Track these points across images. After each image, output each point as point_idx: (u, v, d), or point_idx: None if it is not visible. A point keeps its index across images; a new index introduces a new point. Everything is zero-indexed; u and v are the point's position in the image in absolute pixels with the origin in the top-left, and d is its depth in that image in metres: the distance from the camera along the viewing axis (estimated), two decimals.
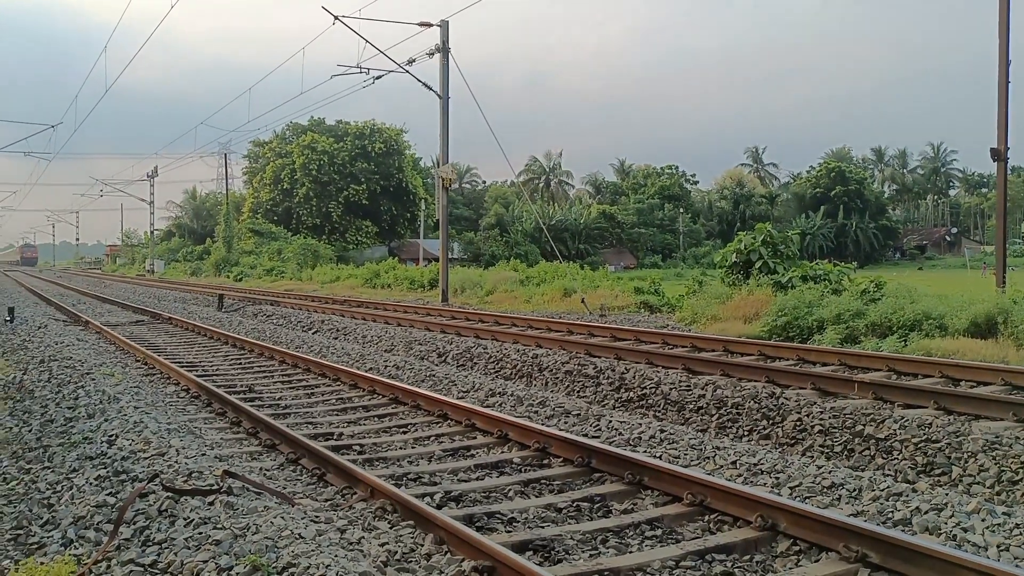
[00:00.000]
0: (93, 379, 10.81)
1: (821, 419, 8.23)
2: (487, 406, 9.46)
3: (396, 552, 4.83)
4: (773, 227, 22.30)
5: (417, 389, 9.91)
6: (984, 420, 7.93)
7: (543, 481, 6.57)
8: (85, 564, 4.76)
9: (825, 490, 6.13)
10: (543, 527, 5.47)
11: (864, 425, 7.89)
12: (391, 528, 5.35)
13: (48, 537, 5.35)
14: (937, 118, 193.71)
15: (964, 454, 7.07)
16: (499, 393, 10.24)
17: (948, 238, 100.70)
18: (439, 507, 5.75)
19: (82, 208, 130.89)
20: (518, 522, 5.58)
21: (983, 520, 5.36)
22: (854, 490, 6.05)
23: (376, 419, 9.21)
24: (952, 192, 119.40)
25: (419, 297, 31.21)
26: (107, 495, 5.78)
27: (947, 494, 5.91)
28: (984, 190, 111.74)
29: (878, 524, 5.32)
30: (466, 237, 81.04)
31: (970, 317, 13.32)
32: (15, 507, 6.15)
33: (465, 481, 6.63)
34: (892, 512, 5.59)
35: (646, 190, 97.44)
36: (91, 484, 6.15)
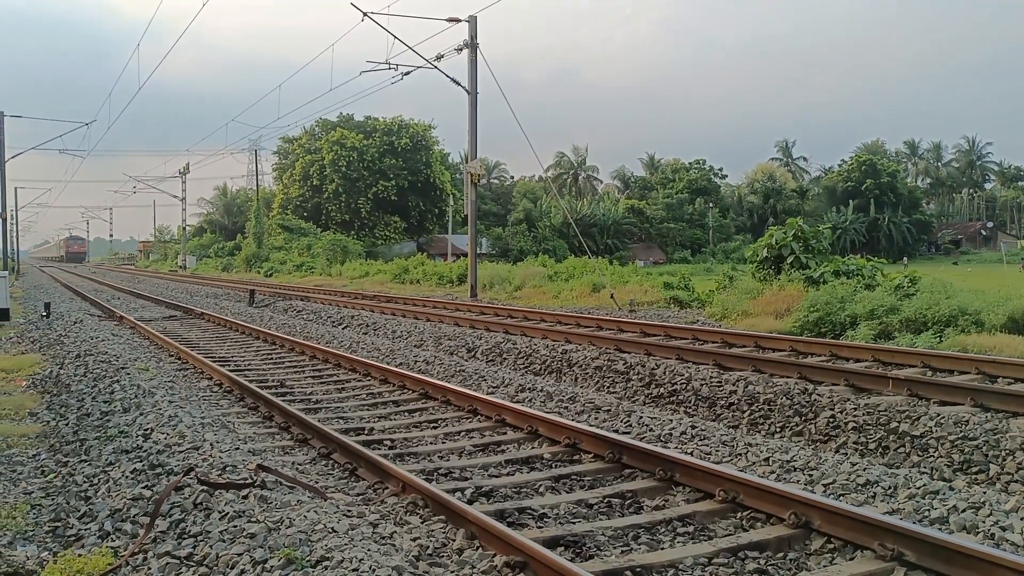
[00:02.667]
0: (128, 374, 10.95)
1: (855, 416, 8.15)
2: (517, 401, 9.47)
3: (428, 547, 4.85)
4: (804, 222, 22.10)
5: (447, 384, 9.93)
6: (1022, 417, 7.79)
7: (574, 477, 6.57)
8: (122, 556, 4.83)
9: (860, 487, 6.07)
10: (574, 523, 5.46)
11: (899, 422, 7.80)
12: (423, 523, 5.37)
13: (85, 529, 5.44)
14: (972, 111, 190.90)
15: (1002, 452, 6.96)
16: (529, 389, 10.24)
17: (984, 232, 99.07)
18: (470, 502, 5.76)
19: (116, 205, 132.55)
20: (549, 518, 5.57)
21: (1022, 519, 5.28)
22: (889, 488, 5.98)
23: (406, 414, 9.25)
24: (988, 186, 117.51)
25: (448, 292, 31.29)
26: (143, 488, 5.85)
27: (985, 492, 5.83)
28: (1021, 183, 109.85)
29: (914, 522, 5.25)
30: (494, 232, 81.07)
31: (1007, 313, 13.12)
32: (53, 500, 6.25)
33: (496, 476, 6.64)
34: (928, 510, 5.52)
35: (675, 185, 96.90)
36: (127, 477, 6.24)
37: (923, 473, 6.90)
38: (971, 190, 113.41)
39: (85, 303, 28.39)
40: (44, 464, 7.31)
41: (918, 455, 7.40)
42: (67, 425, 8.66)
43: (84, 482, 6.50)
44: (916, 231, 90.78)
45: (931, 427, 7.56)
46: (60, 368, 12.33)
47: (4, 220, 47.60)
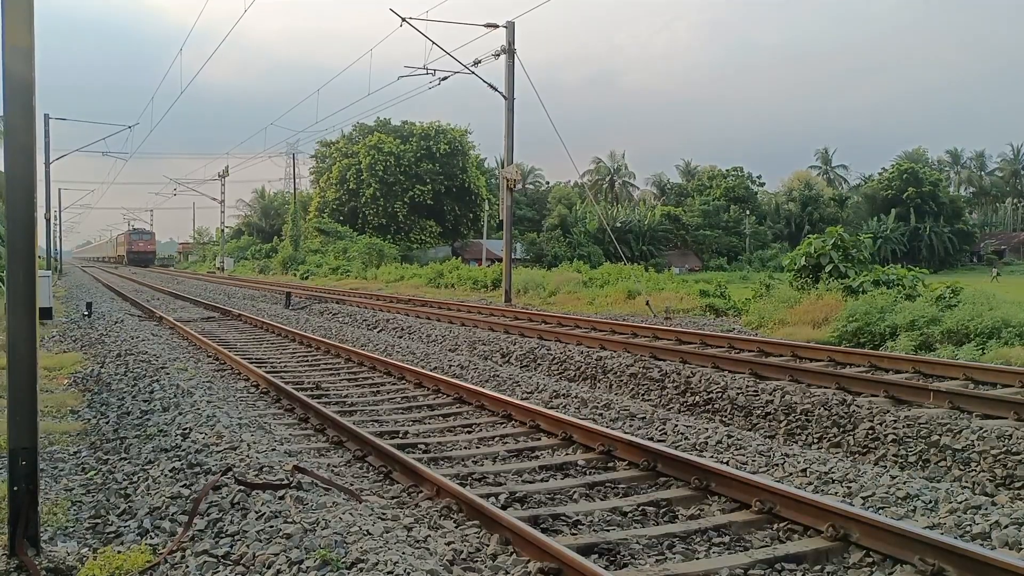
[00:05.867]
0: (167, 373, 11.10)
1: (895, 428, 8.02)
2: (551, 407, 9.46)
3: (462, 551, 4.86)
4: (843, 230, 21.84)
5: (481, 389, 9.95)
6: None
7: (608, 484, 6.54)
8: (160, 554, 4.89)
9: (899, 501, 5.97)
10: (608, 530, 5.44)
11: (940, 435, 7.67)
12: (457, 527, 5.38)
13: (125, 527, 5.52)
14: (1017, 119, 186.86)
15: None
16: (563, 395, 10.22)
17: None
18: (504, 508, 5.76)
19: (156, 207, 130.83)
20: (583, 525, 5.56)
21: None
22: (930, 502, 5.88)
23: (441, 418, 9.28)
24: None
25: (482, 297, 31.33)
26: (181, 487, 5.93)
27: None
28: None
29: (956, 537, 5.16)
30: (529, 238, 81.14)
31: None
32: (93, 497, 6.35)
33: (530, 482, 6.63)
34: (970, 525, 5.41)
35: (711, 191, 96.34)
36: (166, 476, 6.32)
37: (965, 487, 6.77)
38: (1015, 200, 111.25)
39: (126, 303, 28.85)
40: (85, 461, 7.43)
41: (960, 469, 7.27)
42: (107, 423, 8.79)
43: (124, 480, 6.60)
44: (958, 241, 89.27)
45: (973, 441, 7.42)
46: (101, 367, 12.54)
47: (48, 221, 48.56)
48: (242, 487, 5.58)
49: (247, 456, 6.51)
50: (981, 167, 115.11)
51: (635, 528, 5.52)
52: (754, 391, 9.80)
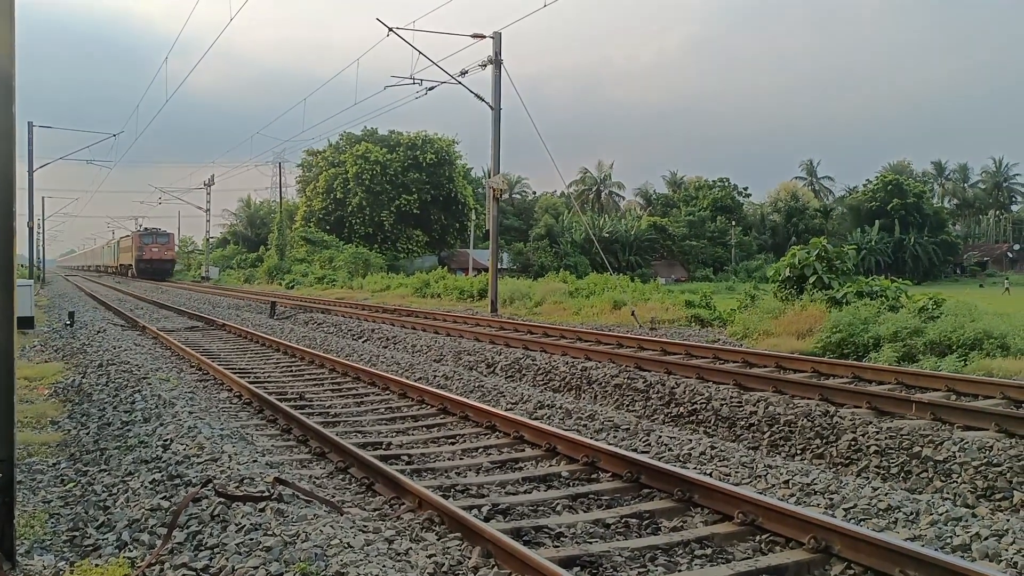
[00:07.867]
0: (149, 384, 11.02)
1: (877, 439, 8.05)
2: (535, 418, 9.44)
3: (443, 564, 4.83)
4: (828, 241, 21.95)
5: (466, 400, 9.92)
6: None
7: (591, 496, 6.52)
8: (139, 567, 4.84)
9: (881, 513, 5.98)
10: (591, 543, 5.42)
11: (922, 446, 7.70)
12: (438, 540, 5.35)
13: (103, 539, 5.46)
14: (999, 132, 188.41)
15: None
16: (548, 405, 10.21)
17: (1010, 254, 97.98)
18: (487, 520, 5.74)
19: (141, 215, 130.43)
20: (566, 537, 5.54)
21: None
22: (911, 513, 5.90)
23: (424, 429, 9.24)
24: (1015, 207, 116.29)
25: (468, 307, 31.30)
26: (161, 499, 5.88)
27: (1008, 520, 5.73)
28: None
29: (936, 549, 5.17)
30: (515, 247, 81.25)
31: None
32: (72, 509, 6.29)
33: (513, 494, 6.61)
34: (951, 537, 5.43)
35: (698, 202, 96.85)
36: (146, 488, 6.27)
37: (946, 499, 6.80)
38: (998, 212, 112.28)
39: (109, 312, 28.64)
40: (64, 473, 7.36)
41: (941, 480, 7.29)
42: (88, 434, 8.72)
43: (103, 492, 6.54)
44: (942, 252, 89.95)
45: (954, 452, 7.46)
46: (82, 377, 12.43)
47: (31, 229, 48.24)
48: (222, 499, 5.54)
49: (228, 468, 6.46)
50: (964, 179, 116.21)
51: (618, 540, 5.50)
52: (738, 402, 9.82)
